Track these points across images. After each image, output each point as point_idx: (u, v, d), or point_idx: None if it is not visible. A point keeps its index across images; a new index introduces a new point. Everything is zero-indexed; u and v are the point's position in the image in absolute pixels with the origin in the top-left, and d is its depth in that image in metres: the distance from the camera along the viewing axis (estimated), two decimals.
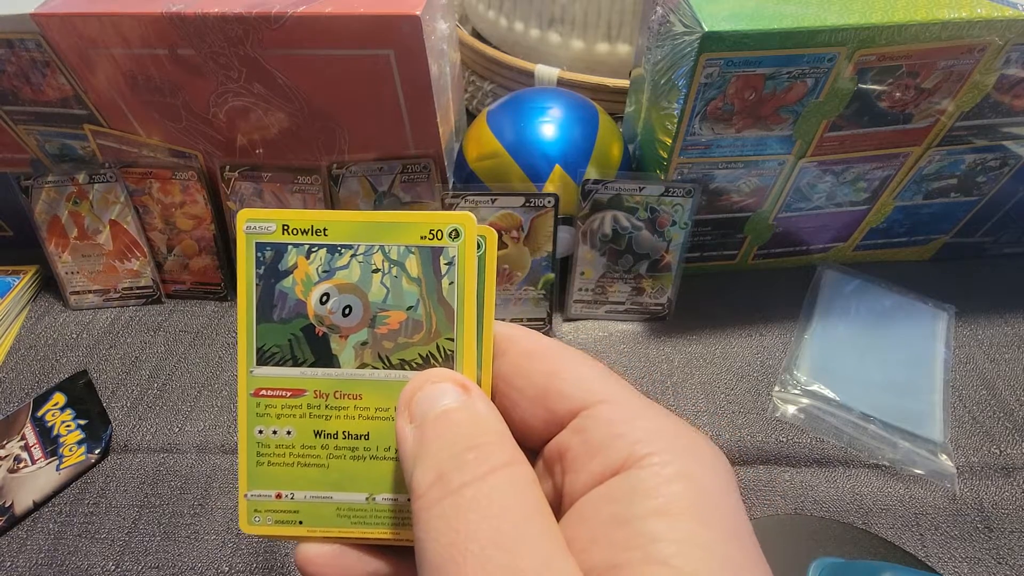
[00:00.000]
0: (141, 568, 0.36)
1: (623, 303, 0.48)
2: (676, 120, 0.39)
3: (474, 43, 0.61)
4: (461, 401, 0.16)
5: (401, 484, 0.19)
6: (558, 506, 0.17)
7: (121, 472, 0.40)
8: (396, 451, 0.19)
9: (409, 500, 0.17)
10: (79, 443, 0.41)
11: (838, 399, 0.42)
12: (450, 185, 0.48)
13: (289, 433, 0.19)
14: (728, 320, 0.48)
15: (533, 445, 0.18)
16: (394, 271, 0.18)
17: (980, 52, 0.36)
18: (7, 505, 0.38)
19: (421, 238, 0.18)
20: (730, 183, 0.44)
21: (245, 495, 0.19)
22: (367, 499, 0.19)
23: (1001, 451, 0.40)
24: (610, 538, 0.14)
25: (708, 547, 0.13)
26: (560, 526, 0.16)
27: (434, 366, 0.18)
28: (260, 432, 0.19)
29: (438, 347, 0.18)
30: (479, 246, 0.18)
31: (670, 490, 0.14)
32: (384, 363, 0.19)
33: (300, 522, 0.19)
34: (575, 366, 0.18)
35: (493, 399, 0.18)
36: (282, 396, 0.19)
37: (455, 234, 0.18)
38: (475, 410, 0.16)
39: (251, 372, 0.19)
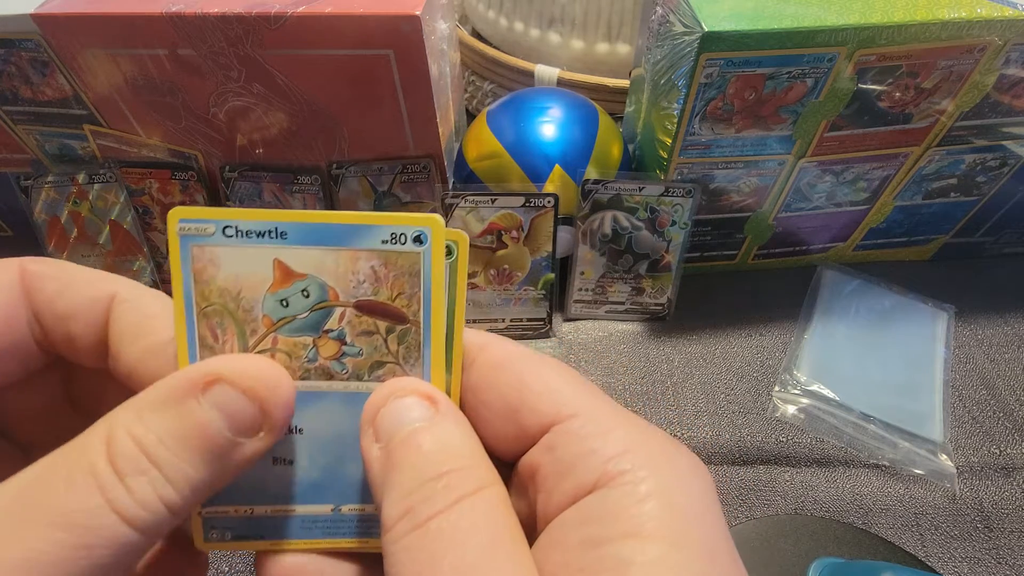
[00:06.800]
0: None
1: (623, 303, 0.48)
2: (676, 120, 0.39)
3: (474, 43, 0.61)
4: (428, 419, 0.15)
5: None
6: (533, 526, 0.16)
7: None
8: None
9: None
10: None
11: (838, 399, 0.42)
12: (450, 185, 0.48)
13: None
14: (728, 320, 0.48)
15: (507, 459, 0.17)
16: None
17: (980, 52, 0.36)
18: None
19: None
20: (730, 183, 0.44)
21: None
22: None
23: (1001, 451, 0.40)
24: (581, 562, 0.14)
25: (680, 569, 0.13)
26: (533, 549, 0.15)
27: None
28: None
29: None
30: (451, 252, 0.17)
31: (642, 510, 0.14)
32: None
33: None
34: (545, 376, 0.17)
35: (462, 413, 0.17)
36: None
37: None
38: (443, 430, 0.15)
39: None
